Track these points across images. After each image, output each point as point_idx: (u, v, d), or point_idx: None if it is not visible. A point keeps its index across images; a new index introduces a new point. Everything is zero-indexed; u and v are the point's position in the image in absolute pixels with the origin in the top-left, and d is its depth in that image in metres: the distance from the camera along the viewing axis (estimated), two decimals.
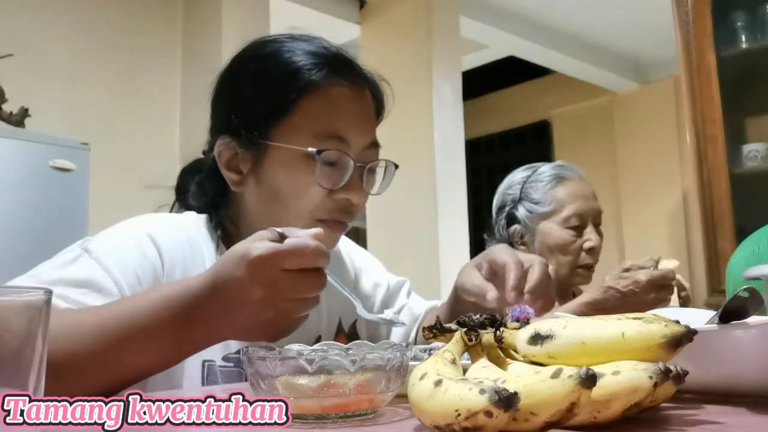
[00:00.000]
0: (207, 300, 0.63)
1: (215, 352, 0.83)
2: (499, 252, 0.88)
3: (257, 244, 0.62)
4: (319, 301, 0.66)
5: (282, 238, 0.63)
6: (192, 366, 0.81)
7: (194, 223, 0.90)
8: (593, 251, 1.53)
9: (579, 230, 1.52)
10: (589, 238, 1.52)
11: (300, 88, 0.85)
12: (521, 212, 1.57)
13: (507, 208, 1.60)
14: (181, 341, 0.66)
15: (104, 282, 0.75)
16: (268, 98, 0.86)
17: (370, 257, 1.13)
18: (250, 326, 0.64)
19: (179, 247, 0.84)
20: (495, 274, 0.86)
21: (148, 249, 0.81)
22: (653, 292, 1.23)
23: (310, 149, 0.83)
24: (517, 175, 1.63)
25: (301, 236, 0.63)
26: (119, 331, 0.64)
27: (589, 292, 1.36)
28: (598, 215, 1.55)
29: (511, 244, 1.59)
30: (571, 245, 1.51)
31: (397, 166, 0.94)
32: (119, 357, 0.65)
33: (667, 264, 1.43)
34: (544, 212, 1.53)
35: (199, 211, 0.93)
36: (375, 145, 0.90)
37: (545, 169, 1.59)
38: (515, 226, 1.58)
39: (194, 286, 0.64)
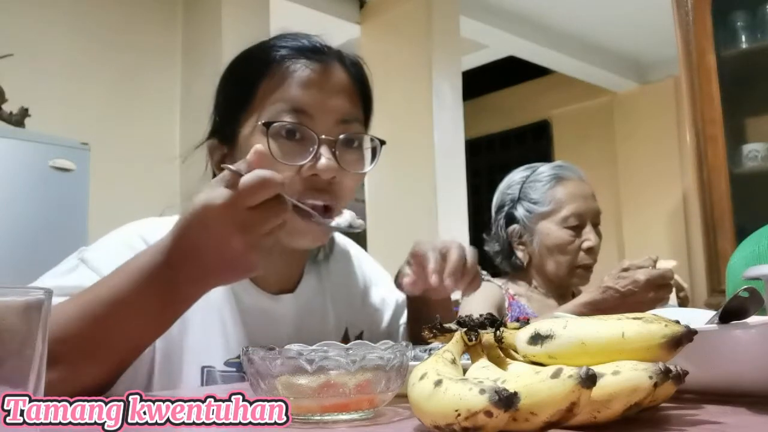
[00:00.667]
0: (180, 259, 0.64)
1: (215, 358, 0.82)
2: (417, 244, 0.88)
3: (215, 192, 0.61)
4: (285, 223, 0.66)
5: (237, 175, 0.62)
6: (190, 372, 0.81)
7: None
8: (592, 251, 1.53)
9: (578, 230, 1.52)
10: (588, 238, 1.52)
11: (258, 72, 0.84)
12: (520, 212, 1.57)
13: (506, 208, 1.61)
14: (167, 304, 0.66)
15: None
16: (234, 90, 0.88)
17: (382, 271, 1.11)
18: (230, 269, 0.65)
19: None
20: (420, 265, 0.85)
21: (140, 248, 0.80)
22: (652, 292, 1.23)
23: (259, 123, 0.81)
24: (517, 175, 1.63)
25: (253, 171, 0.62)
26: (103, 308, 0.64)
27: (588, 293, 1.36)
28: (596, 215, 1.56)
29: (510, 244, 1.59)
30: (570, 245, 1.51)
31: (383, 142, 0.89)
32: (108, 332, 0.65)
33: (665, 265, 1.43)
34: (543, 212, 1.54)
35: None
36: (349, 121, 0.85)
37: (544, 169, 1.59)
38: (514, 226, 1.58)
39: (162, 249, 0.64)
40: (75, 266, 0.78)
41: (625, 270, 1.27)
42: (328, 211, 0.82)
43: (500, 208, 1.63)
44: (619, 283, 1.26)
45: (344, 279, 1.02)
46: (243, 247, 0.62)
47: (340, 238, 1.07)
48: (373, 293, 1.06)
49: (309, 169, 0.81)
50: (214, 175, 0.90)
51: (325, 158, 0.80)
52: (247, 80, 0.85)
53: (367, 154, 0.89)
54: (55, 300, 0.70)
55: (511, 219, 1.59)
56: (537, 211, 1.54)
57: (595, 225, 1.55)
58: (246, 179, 0.61)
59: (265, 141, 0.80)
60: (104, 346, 0.66)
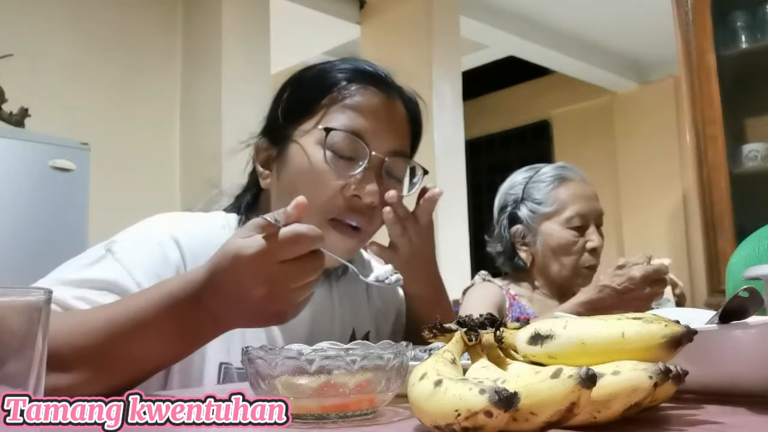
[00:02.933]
0: (209, 295, 0.64)
1: (233, 355, 0.83)
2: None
3: (249, 241, 0.61)
4: (321, 277, 0.66)
5: (273, 226, 0.62)
6: (209, 368, 0.81)
7: (221, 223, 0.90)
8: (595, 252, 1.53)
9: (581, 231, 1.52)
10: (591, 238, 1.52)
11: (325, 88, 0.87)
12: (523, 212, 1.57)
13: (509, 209, 1.60)
14: (187, 335, 0.66)
15: (125, 283, 0.75)
16: (297, 99, 0.90)
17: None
18: (256, 317, 0.65)
19: (202, 247, 0.82)
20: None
21: (170, 251, 0.81)
22: (648, 287, 1.25)
23: (319, 126, 0.84)
24: (519, 176, 1.63)
25: (292, 224, 0.62)
26: (124, 327, 0.64)
27: (584, 292, 1.36)
28: (599, 216, 1.55)
29: (513, 245, 1.59)
30: (574, 246, 1.51)
31: (426, 172, 0.93)
32: (125, 351, 0.65)
33: (660, 262, 1.43)
34: (547, 213, 1.53)
35: (228, 211, 0.94)
36: (399, 153, 0.88)
37: (547, 169, 1.59)
38: (517, 227, 1.58)
39: (195, 281, 0.64)
40: (101, 257, 0.78)
41: (620, 267, 1.28)
42: (354, 232, 0.85)
43: (503, 208, 1.62)
44: (615, 280, 1.27)
45: (351, 281, 1.02)
46: (266, 298, 0.62)
47: None
48: (378, 294, 1.06)
49: (353, 190, 0.83)
50: (254, 172, 0.93)
51: (372, 183, 0.84)
52: (314, 91, 0.88)
53: (405, 181, 0.93)
54: (76, 291, 0.72)
55: (514, 219, 1.59)
56: (540, 211, 1.54)
57: (598, 226, 1.55)
58: (283, 234, 0.61)
59: (319, 151, 0.83)
60: (121, 361, 0.66)
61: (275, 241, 0.61)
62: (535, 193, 1.56)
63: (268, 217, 0.62)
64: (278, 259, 0.61)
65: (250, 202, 0.94)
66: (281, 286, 0.62)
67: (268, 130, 0.92)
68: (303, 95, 0.89)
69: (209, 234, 0.86)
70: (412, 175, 0.94)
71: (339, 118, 0.85)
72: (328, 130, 0.83)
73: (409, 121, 0.92)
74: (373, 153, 0.84)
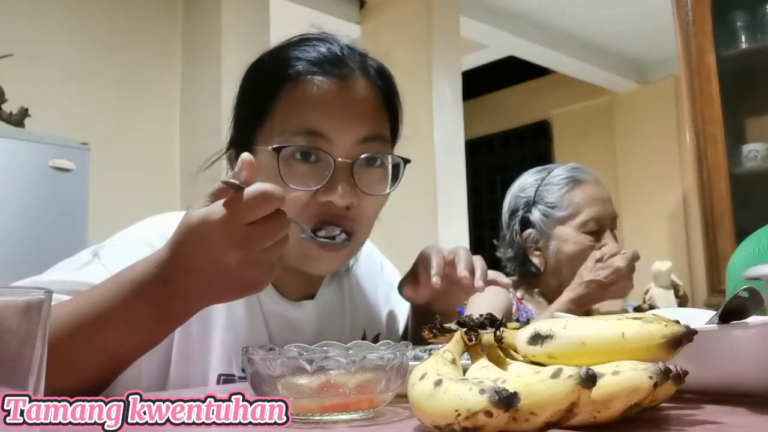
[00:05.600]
0: (176, 273, 0.61)
1: (232, 366, 0.81)
2: (423, 250, 0.87)
3: (212, 208, 0.59)
4: (287, 238, 0.63)
5: (229, 190, 0.59)
6: (211, 381, 0.79)
7: None
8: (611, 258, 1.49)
9: (596, 235, 1.45)
10: (607, 243, 1.45)
11: (273, 86, 0.79)
12: (536, 216, 1.50)
13: (520, 212, 1.53)
14: (159, 319, 0.64)
15: None
16: (249, 104, 0.84)
17: (397, 273, 1.10)
18: (230, 287, 0.63)
19: None
20: (426, 272, 0.83)
21: (159, 245, 0.79)
22: (631, 275, 1.29)
23: (270, 147, 0.76)
24: (530, 178, 1.56)
25: (255, 184, 0.59)
26: (90, 319, 0.62)
27: (570, 289, 1.35)
28: (614, 220, 1.49)
29: (525, 250, 1.53)
30: (590, 251, 1.43)
31: (407, 161, 0.84)
32: (97, 341, 0.63)
33: (660, 266, 1.45)
34: (561, 216, 1.47)
35: None
36: (371, 139, 0.79)
37: (560, 171, 1.52)
38: (529, 231, 1.52)
39: (158, 261, 0.62)
40: (87, 261, 0.76)
41: (599, 261, 1.29)
42: (348, 236, 0.79)
43: (514, 212, 1.55)
44: (600, 274, 1.28)
45: (364, 282, 1.00)
46: (241, 264, 0.60)
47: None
48: (391, 296, 1.05)
49: (324, 195, 0.77)
50: None
51: (340, 186, 0.76)
52: (262, 95, 0.81)
53: (391, 170, 0.83)
54: (60, 296, 0.69)
55: (525, 224, 1.52)
56: (554, 215, 1.48)
57: (612, 229, 1.49)
58: (248, 194, 0.58)
59: (276, 164, 0.76)
60: (92, 354, 0.64)
61: (240, 203, 0.58)
62: (548, 195, 1.50)
63: (230, 179, 0.59)
64: (246, 220, 0.59)
65: None
66: (253, 248, 0.60)
67: (232, 142, 0.86)
68: (252, 101, 0.83)
69: None
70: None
71: (293, 121, 0.77)
72: (278, 149, 0.76)
73: (378, 97, 0.82)
74: (339, 159, 0.77)
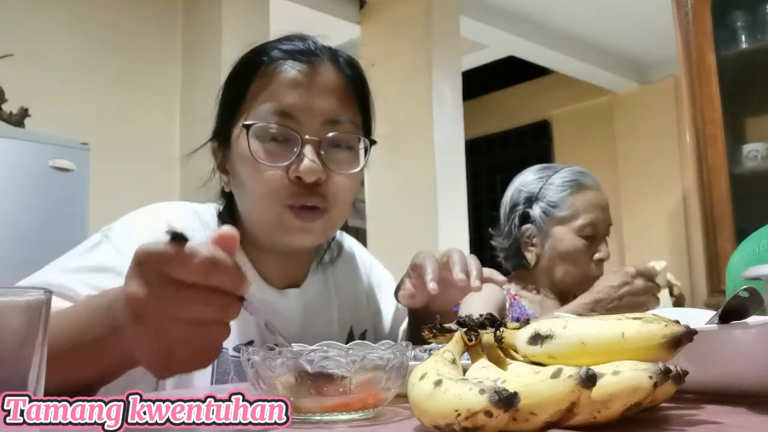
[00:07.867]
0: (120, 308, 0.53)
1: (228, 340, 0.81)
2: (417, 255, 0.87)
3: (152, 241, 0.51)
4: (228, 333, 0.52)
5: (179, 237, 0.49)
6: None
7: (211, 215, 0.92)
8: (601, 263, 1.52)
9: (591, 241, 1.50)
10: (600, 249, 1.50)
11: (249, 75, 0.85)
12: (536, 212, 1.53)
13: (521, 206, 1.56)
14: (115, 354, 0.57)
15: (123, 267, 0.72)
16: (228, 93, 0.89)
17: (387, 274, 1.12)
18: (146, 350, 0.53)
19: (196, 238, 0.81)
20: (420, 277, 0.84)
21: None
22: (640, 280, 1.31)
23: (242, 124, 0.82)
24: (533, 174, 1.59)
25: (200, 243, 0.50)
26: (63, 342, 0.57)
27: (584, 296, 1.38)
28: (608, 228, 1.54)
29: (520, 243, 1.56)
30: (583, 254, 1.49)
31: (373, 142, 0.88)
32: (66, 363, 0.57)
33: (656, 265, 1.45)
34: (560, 217, 1.51)
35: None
36: (338, 121, 0.84)
37: (565, 173, 1.55)
38: (527, 226, 1.55)
39: (112, 293, 0.57)
40: (98, 242, 0.80)
41: (627, 283, 1.34)
42: (316, 212, 0.82)
43: (515, 205, 1.58)
44: (611, 279, 1.32)
45: (350, 280, 1.02)
46: (138, 308, 0.50)
47: (348, 242, 1.08)
48: (377, 295, 1.07)
49: (293, 171, 0.80)
50: (222, 173, 0.91)
51: (307, 160, 0.80)
52: (239, 83, 0.86)
53: (363, 154, 0.88)
54: (77, 276, 0.73)
55: (525, 218, 1.56)
56: (554, 214, 1.51)
57: (604, 236, 1.53)
58: (190, 245, 0.49)
59: (253, 143, 0.81)
60: (64, 373, 0.55)
61: (169, 248, 0.49)
62: (551, 194, 1.53)
63: (173, 228, 0.50)
64: (163, 268, 0.49)
65: (223, 208, 0.92)
66: (155, 302, 0.49)
67: (216, 132, 0.91)
68: (231, 91, 0.88)
69: (201, 223, 0.88)
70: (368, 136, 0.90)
71: (265, 105, 0.82)
72: (248, 126, 0.81)
73: (348, 85, 0.86)
74: (306, 136, 0.81)
